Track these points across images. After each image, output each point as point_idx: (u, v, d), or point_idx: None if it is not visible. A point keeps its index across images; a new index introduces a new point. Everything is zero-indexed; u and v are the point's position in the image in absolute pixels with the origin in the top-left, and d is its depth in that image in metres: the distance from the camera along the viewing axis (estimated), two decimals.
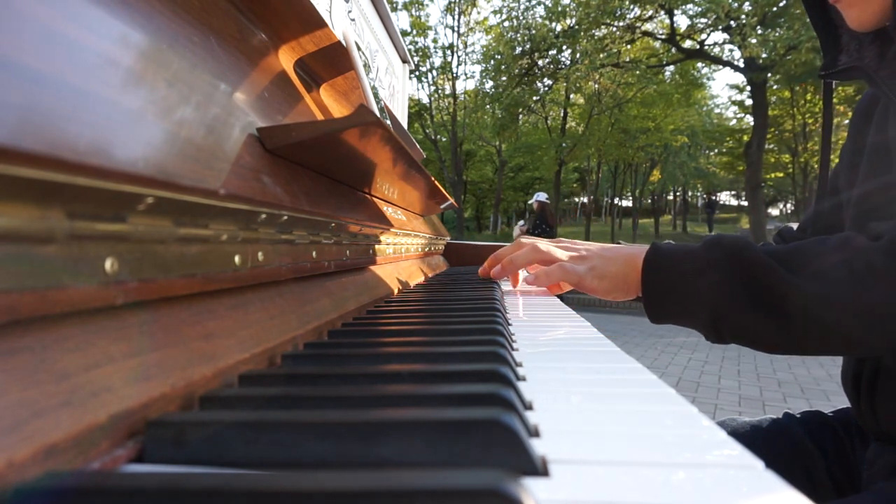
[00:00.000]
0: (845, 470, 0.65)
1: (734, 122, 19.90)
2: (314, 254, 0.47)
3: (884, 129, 0.61)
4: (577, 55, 12.25)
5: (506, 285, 0.93)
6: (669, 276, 0.56)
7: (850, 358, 0.64)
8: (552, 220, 6.90)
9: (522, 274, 0.86)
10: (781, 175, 19.49)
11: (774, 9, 9.52)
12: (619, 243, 0.69)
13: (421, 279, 0.98)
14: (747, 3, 9.67)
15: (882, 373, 0.58)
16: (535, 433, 0.24)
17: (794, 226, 0.80)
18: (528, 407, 0.27)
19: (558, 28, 12.53)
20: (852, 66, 0.63)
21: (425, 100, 16.70)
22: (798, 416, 0.72)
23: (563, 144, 15.24)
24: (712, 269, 0.53)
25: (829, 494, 0.64)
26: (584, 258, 0.66)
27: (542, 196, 6.96)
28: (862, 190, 0.62)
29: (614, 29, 11.72)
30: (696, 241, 0.58)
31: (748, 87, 11.84)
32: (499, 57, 14.03)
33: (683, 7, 10.74)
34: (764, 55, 9.59)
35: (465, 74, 19.39)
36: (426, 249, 1.16)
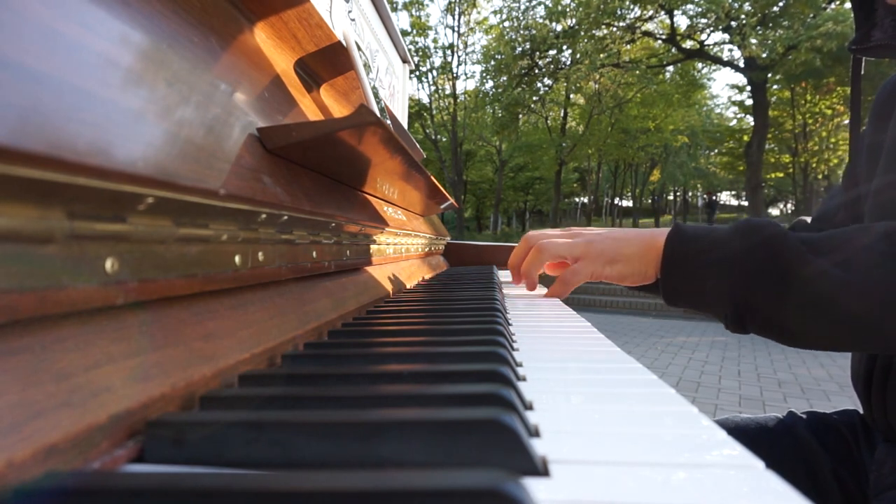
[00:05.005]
0: (851, 471, 0.64)
1: (734, 122, 19.94)
2: (314, 254, 0.47)
3: None
4: (578, 55, 12.27)
5: (509, 287, 0.93)
6: (694, 262, 0.53)
7: (861, 357, 0.63)
8: None
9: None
10: (781, 175, 19.50)
11: (774, 9, 9.54)
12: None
13: (421, 279, 0.98)
14: (747, 4, 9.68)
15: (894, 372, 0.57)
16: (535, 433, 0.24)
17: (808, 219, 0.77)
18: (529, 407, 0.27)
19: (558, 28, 12.56)
20: (885, 45, 0.60)
21: (425, 100, 16.72)
22: (802, 415, 0.71)
23: (563, 144, 15.27)
24: (742, 259, 0.50)
25: (833, 496, 0.63)
26: (590, 241, 0.62)
27: None
28: (881, 182, 0.58)
29: (614, 29, 11.73)
30: None
31: (748, 87, 11.85)
32: (499, 57, 14.06)
33: (683, 7, 10.76)
34: (764, 55, 9.60)
35: (466, 74, 19.42)
36: (426, 249, 1.16)
